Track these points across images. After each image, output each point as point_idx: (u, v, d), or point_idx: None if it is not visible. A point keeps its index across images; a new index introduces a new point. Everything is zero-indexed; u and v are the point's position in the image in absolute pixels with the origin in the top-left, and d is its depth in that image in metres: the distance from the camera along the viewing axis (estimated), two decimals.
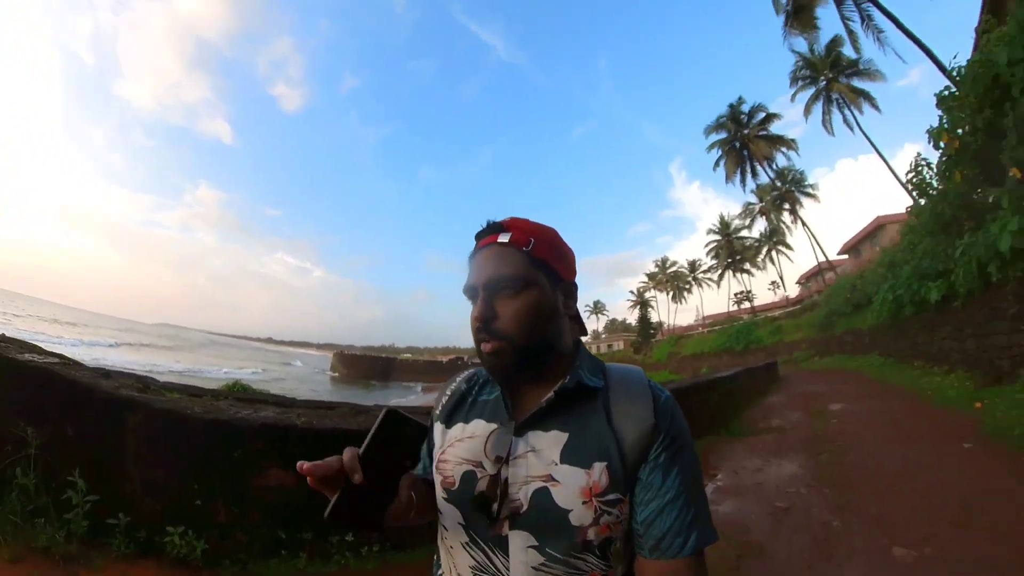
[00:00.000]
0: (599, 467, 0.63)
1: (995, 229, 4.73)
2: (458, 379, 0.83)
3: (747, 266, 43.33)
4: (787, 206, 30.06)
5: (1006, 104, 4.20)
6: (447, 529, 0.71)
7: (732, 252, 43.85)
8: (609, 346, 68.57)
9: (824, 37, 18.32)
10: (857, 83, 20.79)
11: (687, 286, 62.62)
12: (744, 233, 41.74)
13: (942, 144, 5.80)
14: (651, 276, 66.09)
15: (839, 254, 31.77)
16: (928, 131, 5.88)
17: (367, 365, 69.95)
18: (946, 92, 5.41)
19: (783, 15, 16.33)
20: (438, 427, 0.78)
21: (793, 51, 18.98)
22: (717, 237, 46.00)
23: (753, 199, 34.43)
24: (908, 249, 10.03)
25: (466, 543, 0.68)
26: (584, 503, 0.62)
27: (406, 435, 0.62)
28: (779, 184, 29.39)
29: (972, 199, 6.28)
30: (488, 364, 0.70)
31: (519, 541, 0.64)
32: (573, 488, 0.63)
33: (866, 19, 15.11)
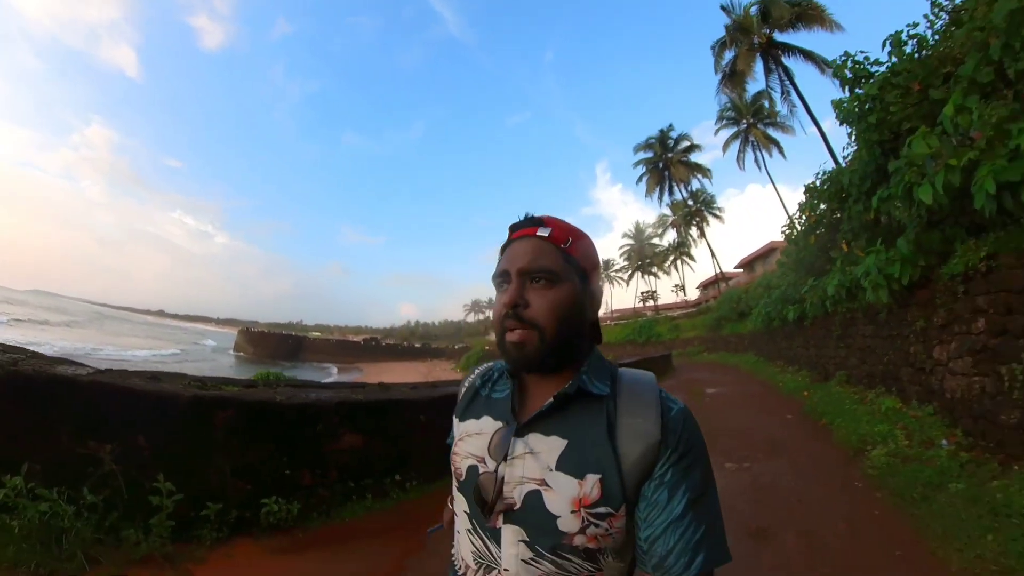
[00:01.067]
0: (592, 479, 0.63)
1: (829, 279, 7.23)
2: (475, 373, 0.84)
3: (655, 269, 48.52)
4: (696, 222, 34.62)
5: (846, 202, 6.61)
6: (457, 515, 0.75)
7: (643, 256, 48.91)
8: None
9: (752, 86, 21.80)
10: (771, 132, 24.75)
11: (599, 281, 67.64)
12: (656, 240, 46.68)
13: (805, 216, 8.46)
14: None
15: (736, 267, 37.15)
16: (799, 204, 8.51)
17: (275, 344, 65.26)
18: (812, 183, 7.96)
19: (720, 74, 19.36)
20: (456, 421, 0.81)
21: (724, 93, 22.28)
22: (631, 241, 50.94)
23: (667, 212, 38.90)
24: (780, 278, 13.07)
25: (469, 530, 0.71)
26: (572, 512, 0.62)
27: None
28: (691, 203, 33.80)
29: (822, 252, 8.98)
30: (510, 354, 0.68)
31: (511, 535, 0.66)
32: (564, 496, 0.63)
33: (785, 93, 18.66)
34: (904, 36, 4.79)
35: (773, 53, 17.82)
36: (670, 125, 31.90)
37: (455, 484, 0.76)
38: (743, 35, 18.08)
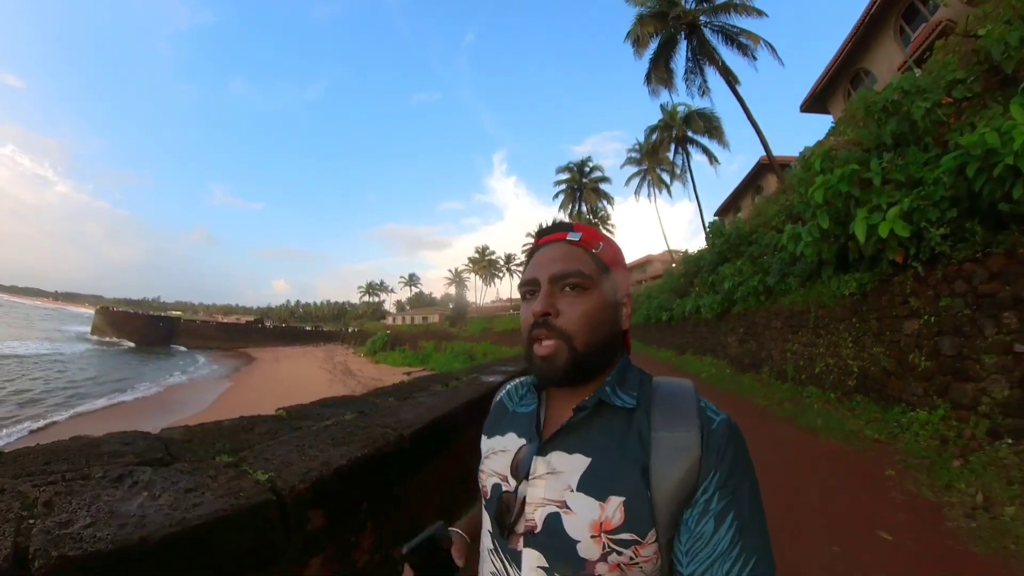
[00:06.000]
0: (615, 502, 0.59)
1: (688, 301, 14.29)
2: (505, 390, 0.84)
3: None
4: None
5: (701, 269, 13.67)
6: (483, 533, 0.74)
7: None
8: (424, 318, 69.48)
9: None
10: (666, 177, 32.81)
11: (500, 273, 74.23)
12: None
13: (680, 266, 15.70)
14: (473, 260, 75.62)
15: None
16: (680, 258, 15.64)
17: (144, 327, 58.16)
18: (688, 252, 15.06)
19: (644, 150, 27.10)
20: (484, 438, 0.79)
21: (636, 143, 30.44)
22: (532, 240, 58.52)
23: (566, 219, 46.69)
24: (659, 292, 20.60)
25: (491, 550, 0.70)
26: (592, 537, 0.59)
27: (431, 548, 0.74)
28: (591, 218, 42.05)
29: (686, 287, 16.27)
30: (539, 368, 0.66)
31: (531, 560, 0.63)
32: (584, 520, 0.60)
33: (684, 170, 27.31)
34: (740, 222, 11.69)
35: (683, 142, 26.56)
36: (589, 157, 40.33)
37: (482, 502, 0.74)
38: (667, 129, 26.86)
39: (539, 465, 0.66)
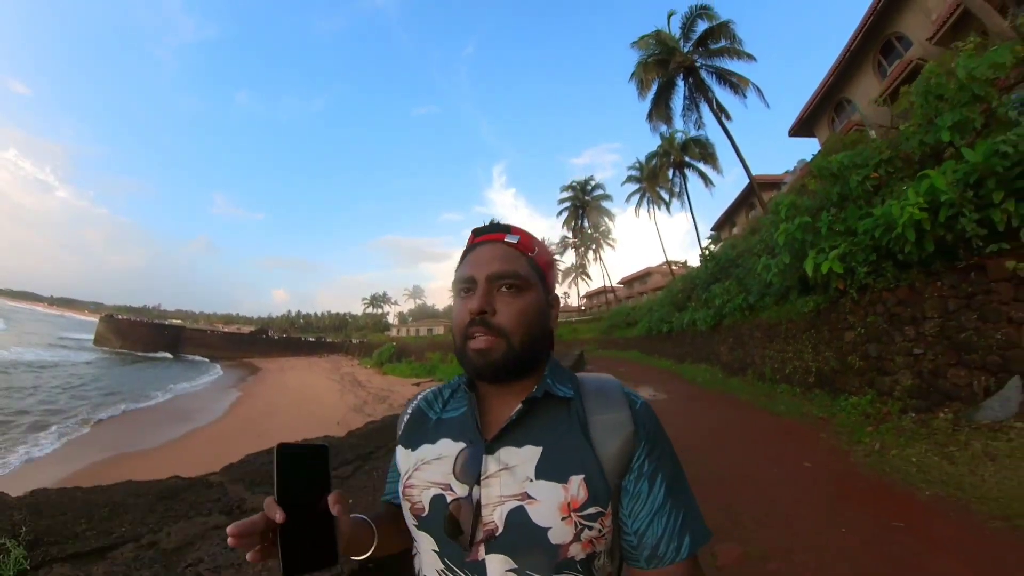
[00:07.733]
0: (576, 480, 0.62)
1: (686, 314, 16.17)
2: (418, 398, 0.82)
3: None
4: (594, 248, 45.21)
5: (696, 286, 15.57)
6: (422, 556, 0.68)
7: None
8: (429, 330, 68.61)
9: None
10: (664, 195, 34.88)
11: None
12: (556, 257, 56.82)
13: (678, 280, 17.64)
14: None
15: (618, 283, 48.55)
16: (679, 272, 17.59)
17: (149, 335, 58.66)
18: (687, 265, 16.96)
19: (645, 171, 29.38)
20: (401, 451, 0.76)
21: (636, 162, 32.75)
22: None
23: (567, 234, 48.93)
24: (659, 304, 22.48)
25: (441, 571, 0.65)
26: (563, 519, 0.61)
27: (309, 462, 0.60)
28: (593, 233, 44.22)
29: (684, 300, 18.15)
30: (474, 361, 0.68)
31: (496, 566, 0.61)
32: (550, 504, 0.61)
33: (682, 191, 29.48)
34: (728, 248, 13.64)
35: (681, 167, 29.01)
36: (591, 176, 42.70)
37: (413, 522, 0.69)
38: (666, 155, 29.25)
39: (490, 464, 0.65)
